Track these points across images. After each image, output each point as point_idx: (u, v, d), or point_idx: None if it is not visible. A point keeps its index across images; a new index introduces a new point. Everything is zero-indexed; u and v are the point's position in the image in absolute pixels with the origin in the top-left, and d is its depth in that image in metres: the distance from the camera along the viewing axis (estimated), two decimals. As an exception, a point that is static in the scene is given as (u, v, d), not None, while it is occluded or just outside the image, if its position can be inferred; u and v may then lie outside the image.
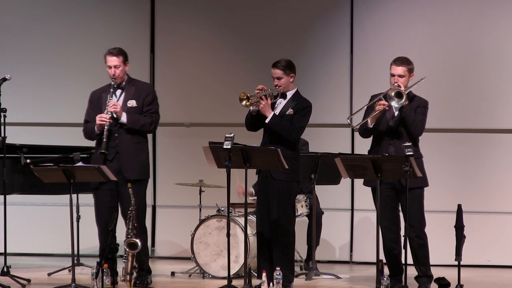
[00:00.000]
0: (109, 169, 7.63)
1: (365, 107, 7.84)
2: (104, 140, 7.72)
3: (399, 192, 7.64)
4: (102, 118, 7.75)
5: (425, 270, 7.73)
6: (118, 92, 7.93)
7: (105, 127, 7.73)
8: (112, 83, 7.87)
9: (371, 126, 7.74)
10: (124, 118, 7.81)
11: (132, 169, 7.83)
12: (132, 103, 7.89)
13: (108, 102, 7.80)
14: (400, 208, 7.74)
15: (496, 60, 9.91)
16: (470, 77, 9.97)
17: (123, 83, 7.93)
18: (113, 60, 7.87)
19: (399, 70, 7.71)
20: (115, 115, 7.78)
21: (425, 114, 7.74)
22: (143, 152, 7.96)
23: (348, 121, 7.96)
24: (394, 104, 7.57)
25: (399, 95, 7.56)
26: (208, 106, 10.47)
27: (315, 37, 10.28)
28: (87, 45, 10.54)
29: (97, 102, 7.95)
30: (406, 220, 7.38)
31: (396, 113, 7.71)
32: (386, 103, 7.62)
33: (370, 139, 7.90)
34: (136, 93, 7.92)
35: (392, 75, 7.72)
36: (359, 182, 9.89)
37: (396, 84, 7.66)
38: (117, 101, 7.87)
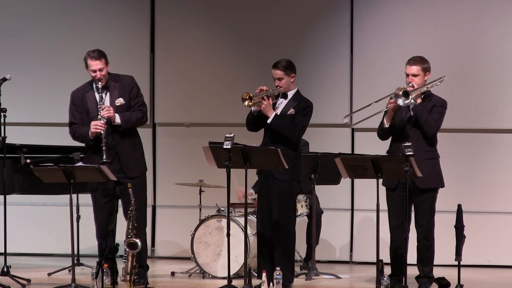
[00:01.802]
0: (110, 170, 7.65)
1: (366, 108, 7.84)
2: (104, 148, 7.71)
3: (412, 193, 7.60)
4: (98, 126, 7.73)
5: (427, 271, 7.72)
6: (103, 92, 7.91)
7: (102, 134, 7.72)
8: (98, 85, 7.84)
9: (387, 126, 7.71)
10: (118, 119, 7.81)
11: (133, 166, 7.87)
12: (120, 101, 7.89)
13: (100, 107, 7.78)
14: (412, 209, 7.71)
15: (496, 60, 9.91)
16: (470, 77, 9.97)
17: (107, 82, 7.92)
18: (97, 64, 7.85)
19: (413, 69, 7.67)
20: (110, 120, 7.78)
21: (441, 113, 7.69)
22: (139, 147, 8.01)
23: (345, 120, 7.93)
24: (400, 102, 7.52)
25: (406, 94, 7.53)
26: (208, 106, 10.46)
27: (315, 37, 10.28)
28: (87, 45, 10.44)
29: (80, 103, 7.93)
30: (407, 220, 7.37)
31: (412, 113, 7.68)
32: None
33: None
34: (121, 89, 7.92)
35: (407, 75, 7.69)
36: (359, 182, 9.94)
37: (410, 84, 7.62)
38: (104, 101, 7.85)
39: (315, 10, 10.29)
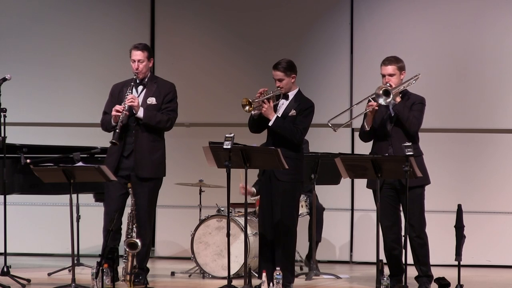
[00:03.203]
0: (124, 165, 7.77)
1: (352, 109, 7.85)
2: (117, 131, 7.74)
3: (399, 191, 7.64)
4: (117, 110, 7.78)
5: (425, 270, 7.73)
6: (140, 88, 7.96)
7: (120, 118, 7.75)
8: (135, 77, 7.90)
9: (368, 129, 7.74)
10: (140, 113, 7.84)
11: (146, 167, 7.88)
12: (152, 100, 7.93)
13: (127, 95, 7.82)
14: (401, 208, 7.73)
15: (496, 60, 9.91)
16: (470, 77, 9.97)
17: (146, 80, 7.96)
18: (138, 55, 7.91)
19: (389, 69, 7.70)
20: (133, 110, 7.80)
21: (421, 110, 7.72)
22: (159, 151, 8.01)
23: (329, 124, 7.92)
24: (382, 102, 7.55)
25: (386, 93, 7.55)
26: (208, 106, 10.46)
27: (315, 38, 10.28)
28: (87, 46, 10.55)
29: (117, 95, 7.98)
30: (406, 220, 7.37)
31: (392, 112, 7.70)
32: (375, 103, 7.61)
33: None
34: (157, 91, 7.96)
35: (383, 76, 7.72)
36: (359, 182, 9.93)
37: (387, 84, 7.65)
38: (138, 97, 7.89)
39: (315, 10, 10.29)
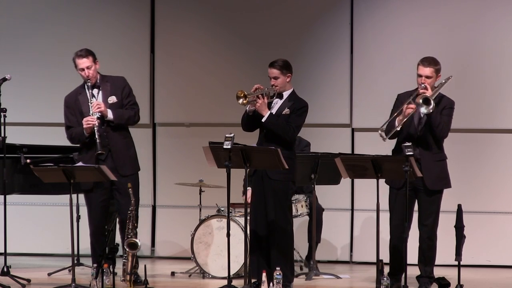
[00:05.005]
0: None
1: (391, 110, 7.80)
2: (98, 141, 7.77)
3: (419, 192, 7.61)
4: (89, 121, 7.80)
5: (429, 271, 7.73)
6: (95, 91, 8.00)
7: (95, 128, 7.79)
8: (88, 84, 7.92)
9: (398, 129, 7.65)
10: (110, 115, 7.91)
11: (126, 164, 7.96)
12: (112, 99, 8.00)
13: (91, 103, 7.85)
14: (415, 209, 7.70)
15: (496, 60, 9.91)
16: (470, 77, 9.96)
17: (97, 82, 8.00)
18: (84, 62, 7.98)
19: (427, 71, 7.62)
20: (98, 115, 7.84)
21: (450, 115, 7.67)
22: (131, 146, 8.14)
23: (380, 132, 7.74)
24: (423, 110, 7.44)
25: (426, 101, 7.47)
26: (208, 106, 10.46)
27: (315, 37, 10.28)
28: (87, 45, 10.47)
29: (74, 106, 8.03)
30: (406, 220, 7.37)
31: (423, 117, 7.62)
32: (414, 106, 7.50)
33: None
34: (113, 89, 8.03)
35: (419, 76, 7.63)
36: (359, 182, 9.94)
37: (423, 85, 7.56)
38: (96, 98, 7.92)
39: (315, 10, 10.29)
